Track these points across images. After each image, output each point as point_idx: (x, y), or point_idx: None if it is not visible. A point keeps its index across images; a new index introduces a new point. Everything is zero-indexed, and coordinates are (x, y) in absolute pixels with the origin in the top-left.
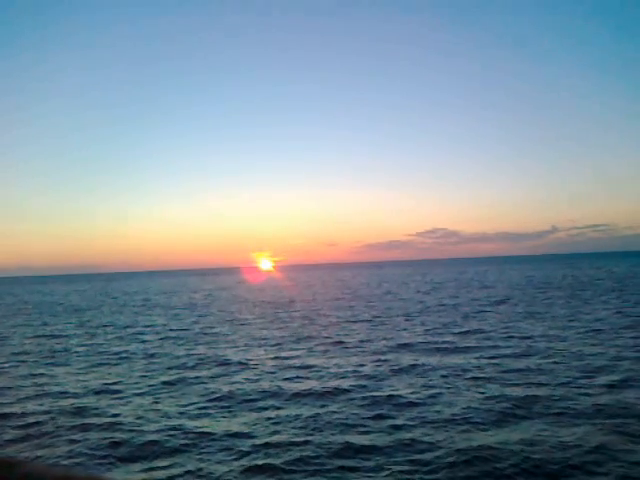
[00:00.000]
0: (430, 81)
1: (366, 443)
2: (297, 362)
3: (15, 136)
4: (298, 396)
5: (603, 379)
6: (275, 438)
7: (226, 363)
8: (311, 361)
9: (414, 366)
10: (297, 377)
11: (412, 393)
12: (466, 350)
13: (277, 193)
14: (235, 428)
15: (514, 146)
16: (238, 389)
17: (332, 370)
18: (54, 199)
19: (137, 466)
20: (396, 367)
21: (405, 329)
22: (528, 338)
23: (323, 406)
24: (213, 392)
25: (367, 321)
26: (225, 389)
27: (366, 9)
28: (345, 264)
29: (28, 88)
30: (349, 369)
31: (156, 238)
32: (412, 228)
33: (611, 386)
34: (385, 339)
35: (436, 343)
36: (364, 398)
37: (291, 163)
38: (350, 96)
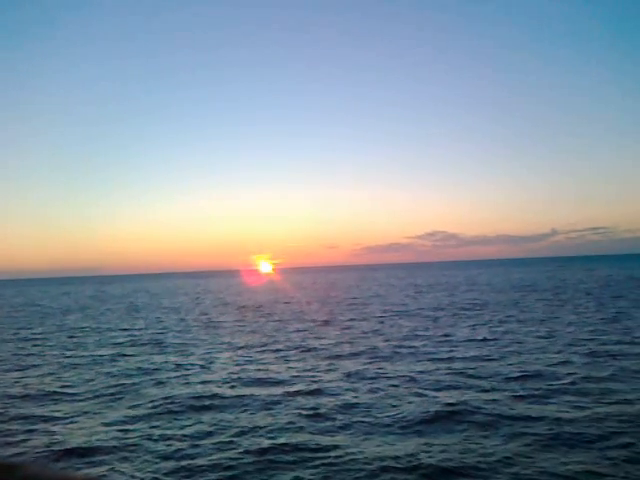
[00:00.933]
0: (429, 84)
1: (289, 443)
2: (251, 368)
3: (9, 136)
4: (238, 399)
5: (540, 386)
6: (204, 441)
7: (181, 368)
8: (266, 367)
9: (362, 371)
10: (242, 382)
11: (352, 397)
12: (419, 354)
13: (277, 195)
14: (162, 433)
15: (514, 148)
16: (180, 394)
17: (281, 375)
18: (49, 201)
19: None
20: (345, 372)
21: (374, 332)
22: (485, 341)
23: (258, 411)
24: (151, 400)
25: (340, 325)
26: (168, 394)
27: (365, 8)
28: (345, 266)
29: (23, 86)
30: (298, 374)
31: (155, 240)
32: (412, 230)
33: (540, 396)
34: (350, 343)
35: (399, 347)
36: (301, 403)
37: (291, 164)
38: (351, 98)
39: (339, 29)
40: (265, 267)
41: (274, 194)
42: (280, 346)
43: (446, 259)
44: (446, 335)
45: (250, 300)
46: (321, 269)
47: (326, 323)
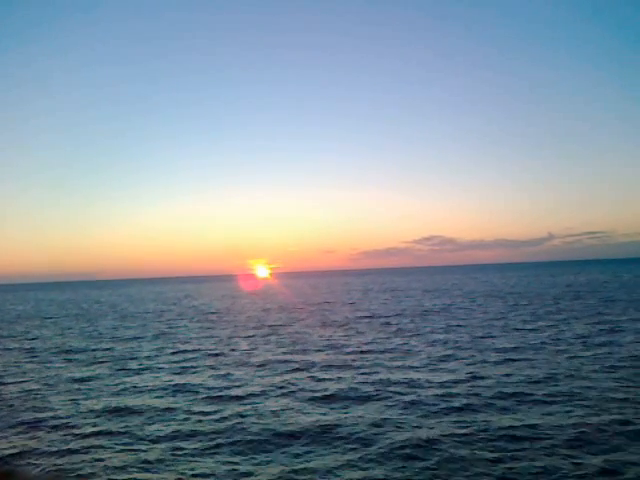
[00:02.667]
0: (428, 89)
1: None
2: (174, 378)
3: (9, 141)
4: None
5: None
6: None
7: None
8: (192, 376)
9: (279, 382)
10: (155, 392)
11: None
12: (346, 367)
13: (274, 199)
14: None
15: (511, 153)
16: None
17: (195, 386)
18: (45, 205)
19: None
20: (258, 384)
21: (320, 339)
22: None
23: (153, 418)
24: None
25: (276, 332)
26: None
27: (365, 6)
28: (342, 271)
29: (22, 90)
30: (214, 385)
31: (153, 245)
32: (409, 235)
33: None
34: (270, 352)
35: (333, 360)
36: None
37: (288, 169)
38: (347, 102)
39: (338, 30)
40: (262, 272)
41: (271, 199)
42: (218, 353)
43: (443, 264)
44: (396, 345)
45: (224, 306)
46: (318, 274)
47: (274, 330)
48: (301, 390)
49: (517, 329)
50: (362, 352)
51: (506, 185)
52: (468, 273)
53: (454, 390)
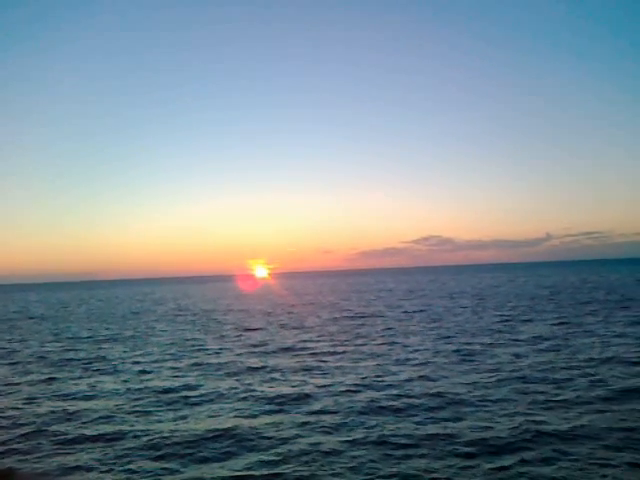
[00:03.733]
0: (426, 91)
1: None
2: (130, 379)
3: (10, 142)
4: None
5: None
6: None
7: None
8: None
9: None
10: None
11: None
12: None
13: (273, 199)
14: None
15: (509, 153)
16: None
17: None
18: (48, 205)
19: None
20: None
21: (286, 341)
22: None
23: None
24: None
25: (266, 334)
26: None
27: (365, 6)
28: (341, 271)
29: (24, 93)
30: (166, 387)
31: (151, 245)
32: (407, 235)
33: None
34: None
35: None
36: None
37: (286, 169)
38: (344, 104)
39: (336, 28)
40: (260, 272)
41: (270, 199)
42: (173, 353)
43: (442, 264)
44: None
45: (207, 306)
46: (316, 274)
47: (246, 331)
48: (247, 392)
49: (480, 331)
50: (317, 354)
51: (504, 185)
52: (463, 273)
53: (389, 392)
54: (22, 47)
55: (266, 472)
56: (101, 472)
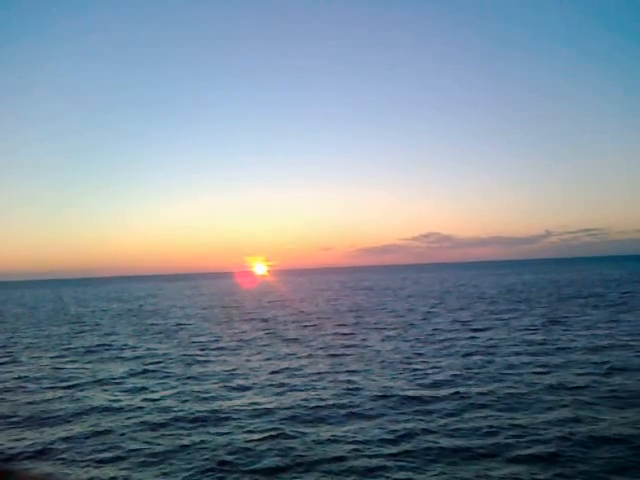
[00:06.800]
0: (425, 88)
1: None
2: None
3: (11, 138)
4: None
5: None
6: None
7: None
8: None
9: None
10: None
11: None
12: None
13: (272, 197)
14: None
15: (508, 151)
16: None
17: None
18: (48, 202)
19: None
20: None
21: (247, 339)
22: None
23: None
24: None
25: (230, 331)
26: None
27: (365, 4)
28: (340, 268)
29: (26, 92)
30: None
31: (151, 243)
32: (407, 232)
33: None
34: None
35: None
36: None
37: (286, 167)
38: (344, 101)
39: (334, 25)
40: (260, 269)
41: (269, 196)
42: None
43: (441, 261)
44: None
45: (190, 304)
46: (315, 271)
47: (215, 328)
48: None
49: (449, 328)
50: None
51: (503, 183)
52: (461, 271)
53: (328, 393)
54: (22, 46)
55: None
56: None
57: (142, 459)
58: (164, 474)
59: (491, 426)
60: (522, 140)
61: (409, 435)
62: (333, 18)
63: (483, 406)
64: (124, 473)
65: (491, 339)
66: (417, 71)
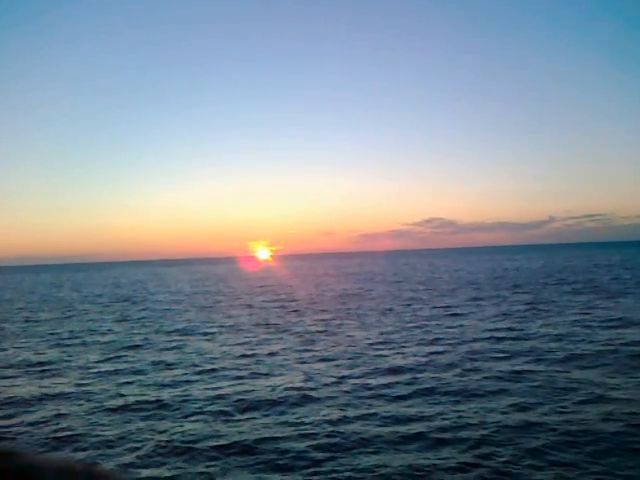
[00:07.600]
0: (427, 73)
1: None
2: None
3: (10, 127)
4: None
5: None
6: None
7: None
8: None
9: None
10: None
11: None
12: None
13: (275, 182)
14: None
15: (511, 136)
16: None
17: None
18: (49, 188)
19: None
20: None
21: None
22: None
23: None
24: None
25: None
26: None
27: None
28: (342, 253)
29: (26, 78)
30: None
31: (153, 228)
32: (410, 217)
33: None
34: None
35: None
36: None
37: (289, 152)
38: (347, 86)
39: (335, 19)
40: (263, 254)
41: (272, 181)
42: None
43: (444, 246)
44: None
45: (173, 289)
46: (317, 256)
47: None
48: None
49: (430, 316)
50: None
51: (507, 168)
52: (463, 256)
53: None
54: (23, 44)
55: None
56: None
57: (95, 443)
58: (115, 458)
59: (433, 412)
60: (525, 126)
61: (347, 421)
62: (347, 14)
63: (431, 392)
64: (78, 456)
65: (462, 325)
66: (420, 54)
